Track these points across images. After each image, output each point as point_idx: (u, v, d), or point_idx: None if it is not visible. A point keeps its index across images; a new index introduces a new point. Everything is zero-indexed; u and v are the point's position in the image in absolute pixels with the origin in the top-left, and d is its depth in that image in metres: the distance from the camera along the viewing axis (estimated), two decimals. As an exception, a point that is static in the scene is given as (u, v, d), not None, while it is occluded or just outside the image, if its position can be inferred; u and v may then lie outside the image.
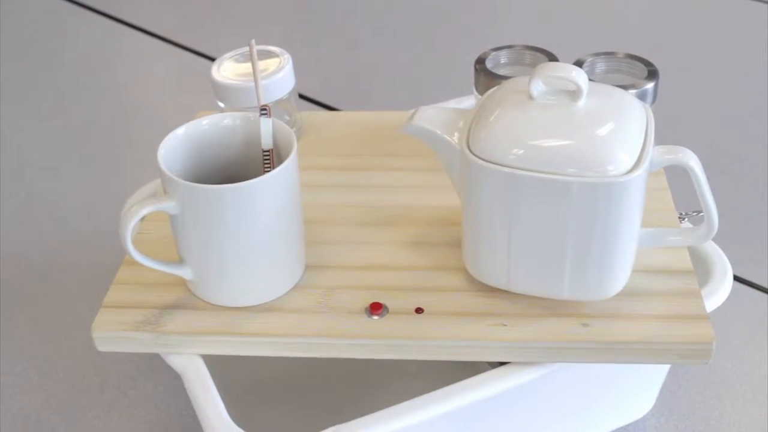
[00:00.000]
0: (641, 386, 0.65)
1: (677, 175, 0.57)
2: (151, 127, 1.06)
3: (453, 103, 0.78)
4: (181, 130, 0.55)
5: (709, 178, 0.52)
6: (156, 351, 0.55)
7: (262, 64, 0.69)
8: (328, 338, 0.53)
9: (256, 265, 0.54)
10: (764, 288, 0.78)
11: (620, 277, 0.53)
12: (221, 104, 0.69)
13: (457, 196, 0.55)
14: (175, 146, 0.54)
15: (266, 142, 0.55)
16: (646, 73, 0.65)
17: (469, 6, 1.35)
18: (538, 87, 0.51)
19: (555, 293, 0.53)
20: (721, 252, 0.61)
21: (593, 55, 0.67)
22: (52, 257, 0.85)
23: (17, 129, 1.08)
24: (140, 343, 0.54)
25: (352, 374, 0.66)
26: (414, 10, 1.35)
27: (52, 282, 0.82)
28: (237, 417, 0.51)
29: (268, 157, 0.54)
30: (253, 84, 0.59)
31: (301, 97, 1.09)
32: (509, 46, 0.69)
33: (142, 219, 0.62)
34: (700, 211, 0.53)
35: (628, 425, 0.66)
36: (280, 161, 0.52)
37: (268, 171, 0.52)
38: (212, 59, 1.12)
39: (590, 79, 0.52)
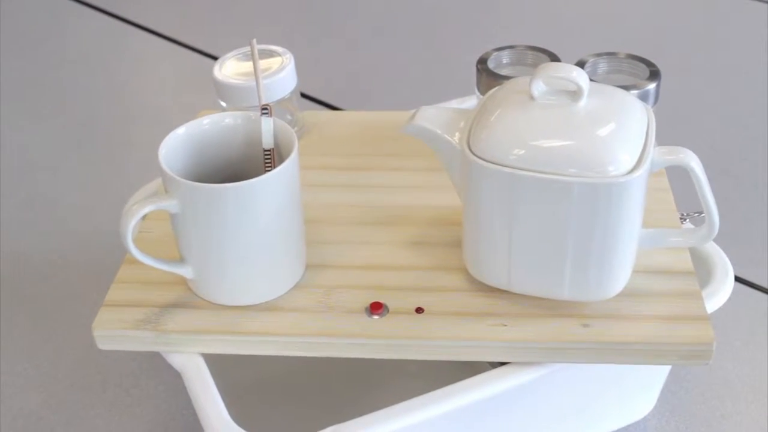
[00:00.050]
0: (642, 387, 0.65)
1: (678, 176, 0.57)
2: (152, 127, 1.06)
3: (455, 103, 0.78)
4: (182, 130, 0.55)
5: (710, 179, 0.52)
6: (156, 350, 0.55)
7: (264, 64, 0.69)
8: (328, 338, 0.53)
9: (257, 264, 0.54)
10: (765, 289, 0.78)
11: (621, 278, 0.53)
12: (223, 103, 0.69)
13: (458, 196, 0.55)
14: (176, 145, 0.54)
15: (267, 142, 0.55)
16: (647, 73, 0.65)
17: (472, 6, 1.35)
18: (539, 87, 0.51)
19: (555, 294, 0.53)
20: (722, 253, 0.61)
21: (595, 56, 0.67)
22: (53, 256, 0.85)
23: (18, 128, 1.08)
24: (141, 341, 0.54)
25: (352, 374, 0.66)
26: (416, 10, 1.35)
27: (53, 281, 0.82)
28: (237, 416, 0.51)
29: (269, 157, 0.54)
30: (254, 83, 0.59)
31: (304, 96, 1.09)
32: (511, 47, 0.69)
33: (143, 218, 0.62)
34: (702, 212, 0.53)
35: (628, 426, 0.66)
36: (281, 161, 0.53)
37: (269, 170, 0.52)
38: (215, 58, 1.12)
39: (592, 80, 0.52)
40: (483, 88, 0.67)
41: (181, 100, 1.14)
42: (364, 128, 0.73)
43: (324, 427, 0.50)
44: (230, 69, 0.69)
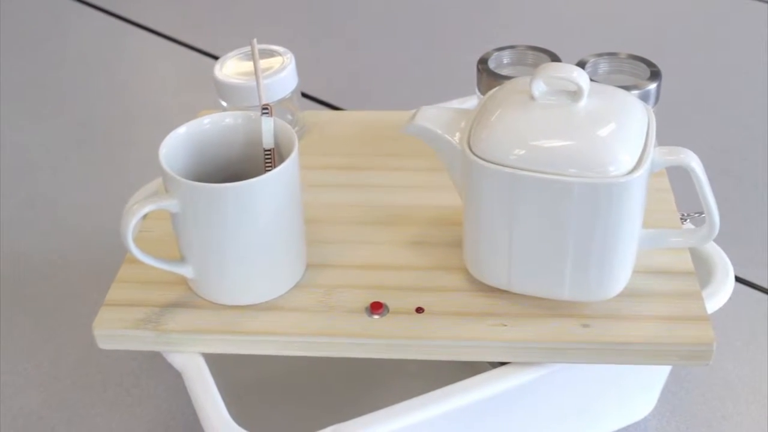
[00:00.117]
0: (642, 387, 0.65)
1: (679, 176, 0.57)
2: (153, 126, 1.06)
3: (456, 103, 0.78)
4: (182, 129, 0.55)
5: (711, 179, 0.52)
6: (157, 349, 0.55)
7: (265, 63, 0.69)
8: (328, 337, 0.53)
9: (257, 264, 0.54)
10: (766, 289, 0.78)
11: (621, 278, 0.53)
12: (223, 103, 0.69)
13: (458, 196, 0.55)
14: (176, 145, 0.54)
15: (267, 142, 0.55)
16: (648, 73, 0.65)
17: (473, 6, 1.35)
18: (539, 87, 0.51)
19: (555, 294, 0.53)
20: (722, 253, 0.61)
21: (596, 56, 0.67)
22: (53, 256, 0.85)
23: (19, 127, 1.08)
24: (141, 341, 0.54)
25: (352, 373, 0.66)
26: (418, 10, 1.35)
27: (53, 280, 0.82)
28: (237, 415, 0.51)
29: (269, 157, 0.55)
30: (255, 83, 0.59)
31: (305, 96, 1.09)
32: (512, 47, 0.69)
33: (144, 217, 0.62)
34: (702, 212, 0.53)
35: (629, 426, 0.66)
36: (282, 160, 0.53)
37: (270, 170, 0.52)
38: (216, 58, 1.12)
39: (592, 80, 0.52)
40: (483, 88, 0.67)
41: (182, 99, 1.14)
42: (365, 128, 0.73)
43: (324, 427, 0.50)
44: (231, 69, 0.69)
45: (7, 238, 0.88)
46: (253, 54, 0.59)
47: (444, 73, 1.15)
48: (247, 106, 0.67)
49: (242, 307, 0.55)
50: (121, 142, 1.04)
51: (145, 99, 1.15)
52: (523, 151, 0.49)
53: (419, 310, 0.54)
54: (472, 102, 0.77)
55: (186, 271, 0.55)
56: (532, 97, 0.51)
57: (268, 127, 0.54)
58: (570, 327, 0.53)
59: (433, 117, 0.54)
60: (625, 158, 0.49)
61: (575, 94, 0.50)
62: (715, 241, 0.59)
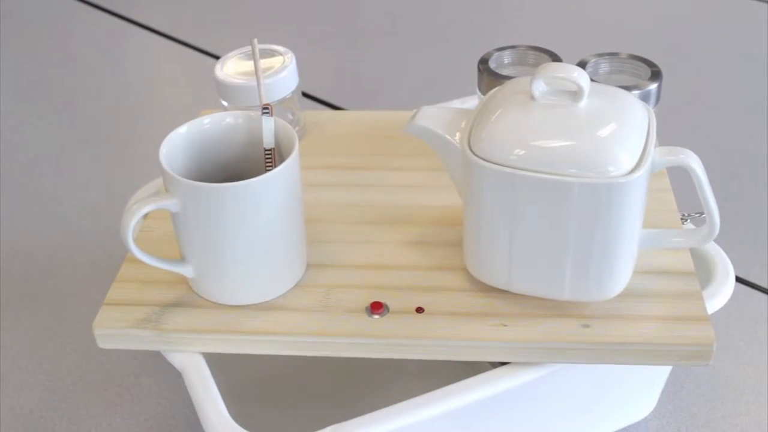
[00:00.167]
0: (643, 387, 0.65)
1: (681, 176, 0.57)
2: (156, 125, 1.06)
3: (457, 103, 0.78)
4: (183, 129, 0.55)
5: (712, 180, 0.52)
6: (157, 348, 0.55)
7: (265, 63, 0.69)
8: (328, 337, 0.53)
9: (257, 263, 0.54)
10: (766, 289, 0.78)
11: (621, 278, 0.53)
12: (224, 103, 0.69)
13: (459, 196, 0.55)
14: (177, 144, 0.54)
15: (268, 141, 0.55)
16: (649, 73, 0.65)
17: (475, 6, 1.35)
18: (539, 87, 0.51)
19: (555, 294, 0.53)
20: (723, 253, 0.61)
21: (597, 56, 0.67)
22: (56, 254, 0.85)
23: (23, 126, 1.08)
24: (141, 340, 0.54)
25: (353, 373, 0.66)
26: (419, 10, 1.35)
27: (55, 279, 0.83)
28: (237, 415, 0.51)
29: (269, 156, 0.55)
30: (255, 83, 0.59)
31: (306, 96, 1.09)
32: (512, 47, 0.69)
33: (145, 217, 0.62)
34: (703, 213, 0.53)
35: (629, 426, 0.66)
36: (282, 160, 0.53)
37: (270, 170, 0.52)
38: (218, 57, 1.12)
39: (593, 80, 0.52)
40: (484, 88, 0.67)
41: (184, 99, 1.14)
42: (366, 128, 0.73)
43: (324, 427, 0.50)
44: (232, 68, 0.69)
45: (8, 236, 0.88)
46: (253, 54, 0.59)
47: (445, 73, 1.15)
48: (247, 105, 0.67)
49: (242, 306, 0.55)
50: (123, 141, 1.05)
51: (147, 98, 1.15)
52: (523, 151, 0.49)
53: (419, 310, 0.54)
54: (473, 102, 0.77)
55: (186, 270, 0.55)
56: (533, 97, 0.51)
57: (268, 126, 0.54)
58: (570, 327, 0.53)
59: (433, 117, 0.54)
60: (625, 158, 0.49)
61: (576, 95, 0.50)
62: (716, 241, 0.59)
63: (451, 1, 1.37)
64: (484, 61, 0.67)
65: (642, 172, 0.48)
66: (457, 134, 0.53)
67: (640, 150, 0.50)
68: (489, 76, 0.66)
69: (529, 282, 0.53)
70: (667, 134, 0.64)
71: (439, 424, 0.52)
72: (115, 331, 0.55)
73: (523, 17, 1.32)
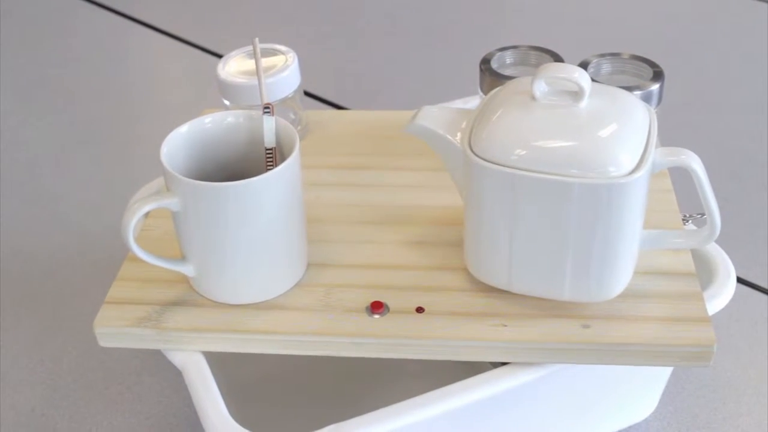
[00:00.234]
0: (643, 388, 0.65)
1: (683, 177, 0.57)
2: (158, 124, 1.06)
3: (459, 103, 0.78)
4: (184, 128, 0.55)
5: (713, 180, 0.52)
6: (157, 347, 0.55)
7: (267, 62, 0.69)
8: (328, 336, 0.53)
9: (258, 262, 0.54)
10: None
11: (621, 279, 0.53)
12: (226, 102, 0.69)
13: (459, 196, 0.55)
14: (178, 144, 0.54)
15: (269, 140, 0.55)
16: (651, 74, 0.65)
17: (477, 6, 1.35)
18: (540, 87, 0.51)
19: (556, 294, 0.53)
20: (724, 254, 0.61)
21: (598, 56, 0.67)
22: (56, 253, 0.86)
23: (24, 125, 1.08)
24: (142, 339, 0.54)
25: (353, 373, 0.66)
26: (421, 9, 1.35)
27: (56, 278, 0.83)
28: (237, 414, 0.51)
29: (270, 156, 0.55)
30: (257, 82, 0.60)
31: (308, 95, 1.09)
32: (514, 47, 0.69)
33: (146, 215, 0.62)
34: (704, 214, 0.53)
35: (630, 427, 0.66)
36: (283, 159, 0.53)
37: (271, 169, 0.52)
38: (221, 56, 1.12)
39: (595, 80, 0.52)
40: (486, 88, 0.67)
41: (186, 98, 1.14)
42: (367, 127, 0.73)
43: (324, 426, 0.50)
44: (234, 67, 0.69)
45: (9, 235, 0.89)
46: (255, 53, 0.59)
47: (447, 73, 1.15)
48: (249, 105, 0.67)
49: (243, 305, 0.55)
50: (125, 140, 1.05)
51: (148, 97, 1.16)
52: (523, 152, 0.49)
53: (419, 309, 0.54)
54: (474, 102, 0.77)
55: (187, 269, 0.55)
56: (534, 98, 0.51)
57: (269, 126, 0.55)
58: (570, 327, 0.53)
59: (434, 117, 0.54)
60: (626, 159, 0.48)
61: (576, 95, 0.50)
62: (717, 242, 0.59)
63: (453, 1, 1.37)
64: (485, 61, 0.67)
65: (642, 173, 0.48)
66: (458, 134, 0.53)
67: (641, 150, 0.50)
68: (491, 76, 0.66)
69: (529, 282, 0.53)
70: (667, 134, 0.64)
71: (439, 424, 0.52)
72: (115, 329, 0.55)
73: (526, 17, 1.32)
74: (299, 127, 0.71)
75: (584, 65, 0.66)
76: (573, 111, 0.50)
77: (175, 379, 0.72)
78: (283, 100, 0.69)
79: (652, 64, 0.65)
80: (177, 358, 0.54)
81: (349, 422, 0.50)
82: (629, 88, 0.62)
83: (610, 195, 0.48)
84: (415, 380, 0.64)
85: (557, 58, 0.67)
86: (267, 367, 0.66)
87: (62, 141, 1.04)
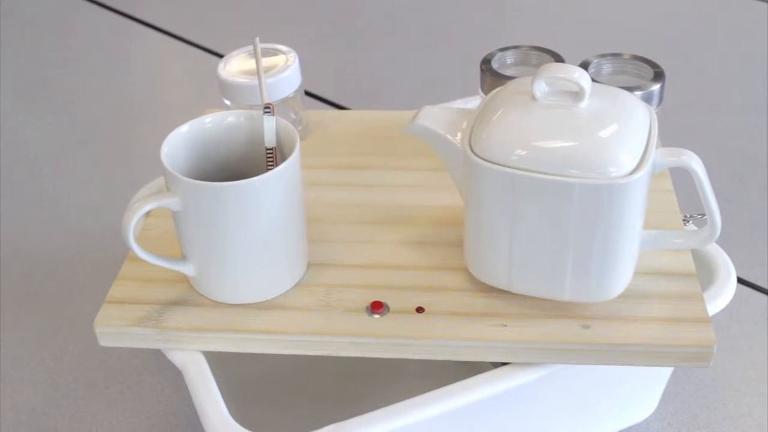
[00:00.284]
0: (644, 388, 0.65)
1: (684, 178, 0.57)
2: (158, 124, 1.06)
3: (460, 103, 0.78)
4: (184, 128, 0.55)
5: (713, 181, 0.52)
6: (157, 347, 0.55)
7: (268, 62, 0.69)
8: (328, 336, 0.53)
9: (258, 262, 0.54)
10: (769, 291, 0.78)
11: (621, 279, 0.53)
12: (227, 102, 0.69)
13: (459, 196, 0.55)
14: (178, 143, 0.54)
15: (269, 140, 0.55)
16: (652, 74, 0.65)
17: (478, 6, 1.35)
18: (541, 88, 0.51)
19: (556, 294, 0.53)
20: (725, 255, 0.61)
21: (599, 56, 0.67)
22: (57, 253, 0.86)
23: (25, 124, 1.08)
24: (142, 338, 0.55)
25: (353, 373, 0.66)
26: (422, 9, 1.35)
27: (57, 277, 0.83)
28: (236, 414, 0.51)
29: (271, 155, 0.55)
30: (258, 82, 0.60)
31: (310, 95, 1.09)
32: (515, 47, 0.69)
33: (146, 215, 0.62)
34: (705, 214, 0.53)
35: (630, 428, 0.66)
36: (283, 159, 0.53)
37: (271, 169, 0.52)
38: (222, 56, 1.13)
39: (596, 81, 0.51)
40: (487, 89, 0.67)
41: (187, 97, 1.14)
42: (368, 127, 0.73)
43: (324, 426, 0.50)
44: (235, 67, 0.69)
45: (10, 235, 0.89)
46: (255, 53, 0.59)
47: (448, 73, 1.15)
48: (250, 105, 0.67)
49: (243, 305, 0.55)
50: (125, 139, 1.05)
51: (149, 97, 1.16)
52: (524, 152, 0.49)
53: (419, 309, 0.54)
54: (475, 102, 0.77)
55: (187, 269, 0.55)
56: (534, 98, 0.51)
57: (270, 125, 0.55)
58: (570, 328, 0.53)
59: (434, 117, 0.54)
60: (626, 159, 0.48)
61: (577, 95, 0.50)
62: (718, 242, 0.59)
63: (454, 0, 1.37)
64: (486, 62, 0.67)
65: (643, 173, 0.48)
66: (458, 134, 0.53)
67: (641, 151, 0.50)
68: (492, 77, 0.66)
69: (529, 282, 0.53)
70: (668, 134, 0.64)
71: (439, 424, 0.52)
72: (116, 329, 0.55)
73: (527, 17, 1.32)
74: (300, 127, 0.71)
75: (585, 65, 0.66)
76: (573, 111, 0.50)
77: (175, 378, 0.72)
78: (284, 100, 0.69)
79: (652, 65, 0.65)
80: (177, 357, 0.54)
81: (348, 422, 0.50)
82: (630, 89, 0.62)
83: (611, 195, 0.48)
84: (415, 380, 0.64)
85: (558, 59, 0.67)
86: (267, 367, 0.66)
87: (63, 141, 1.04)
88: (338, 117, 0.77)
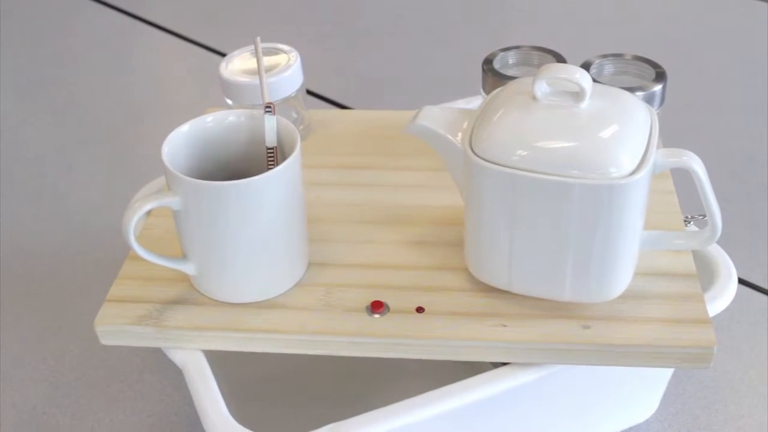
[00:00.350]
0: (644, 389, 0.65)
1: (685, 178, 0.57)
2: (160, 123, 1.06)
3: (462, 103, 0.78)
4: (185, 127, 0.55)
5: (714, 181, 0.52)
6: (158, 345, 0.55)
7: (270, 62, 0.69)
8: (328, 336, 0.53)
9: (258, 261, 0.54)
10: (771, 292, 0.78)
11: (622, 280, 0.53)
12: (229, 101, 0.69)
13: (460, 196, 0.55)
14: (179, 143, 0.54)
15: (270, 140, 0.55)
16: (653, 75, 0.65)
17: (480, 6, 1.35)
18: (541, 88, 0.51)
19: (556, 295, 0.53)
20: (725, 255, 0.61)
21: (601, 57, 0.67)
22: (58, 252, 0.86)
23: (26, 124, 1.08)
24: (142, 337, 0.55)
25: (353, 372, 0.66)
26: (424, 10, 1.35)
27: (58, 276, 0.83)
28: (236, 413, 0.51)
29: (272, 155, 0.55)
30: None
31: (312, 94, 1.09)
32: (517, 47, 0.69)
33: (148, 214, 0.62)
34: (706, 215, 0.53)
35: (630, 428, 0.66)
36: (284, 159, 0.53)
37: (272, 168, 0.52)
38: (225, 55, 1.13)
39: (598, 81, 0.51)
40: (488, 89, 0.67)
41: (190, 96, 1.14)
42: (370, 127, 0.73)
43: (323, 426, 0.50)
44: (237, 66, 0.69)
45: (11, 234, 0.89)
46: (256, 52, 0.59)
47: (449, 73, 1.15)
48: (252, 104, 0.67)
49: (243, 304, 0.55)
50: (127, 138, 1.05)
51: (151, 96, 1.16)
52: (524, 152, 0.49)
53: (420, 309, 0.54)
54: (477, 102, 0.77)
55: (188, 268, 0.55)
56: (535, 98, 0.51)
57: (270, 125, 0.55)
58: (570, 328, 0.52)
59: (435, 117, 0.54)
60: (627, 160, 0.48)
61: (578, 95, 0.50)
62: (719, 243, 0.59)
63: (456, 1, 1.37)
64: (488, 62, 0.67)
65: (643, 174, 0.48)
66: (459, 134, 0.53)
67: (642, 151, 0.50)
68: (493, 77, 0.66)
69: (529, 282, 0.53)
70: (668, 135, 0.64)
71: (438, 424, 0.52)
72: (116, 327, 0.55)
73: (528, 18, 1.32)
74: (301, 127, 0.71)
75: (587, 66, 0.66)
76: (574, 112, 0.50)
77: (176, 377, 0.72)
78: (286, 100, 0.69)
79: (654, 65, 0.65)
80: (177, 356, 0.54)
81: (348, 422, 0.50)
82: (632, 89, 0.62)
83: (611, 196, 0.48)
84: (415, 380, 0.64)
85: (560, 59, 0.67)
86: (267, 367, 0.66)
87: (63, 140, 1.05)
88: (340, 116, 0.77)
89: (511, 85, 0.54)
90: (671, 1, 1.35)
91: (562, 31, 1.25)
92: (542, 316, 0.53)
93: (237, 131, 0.56)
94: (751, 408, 0.67)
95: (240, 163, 0.56)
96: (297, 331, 0.53)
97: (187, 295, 0.56)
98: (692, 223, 0.66)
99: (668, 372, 0.64)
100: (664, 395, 0.67)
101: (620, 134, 0.49)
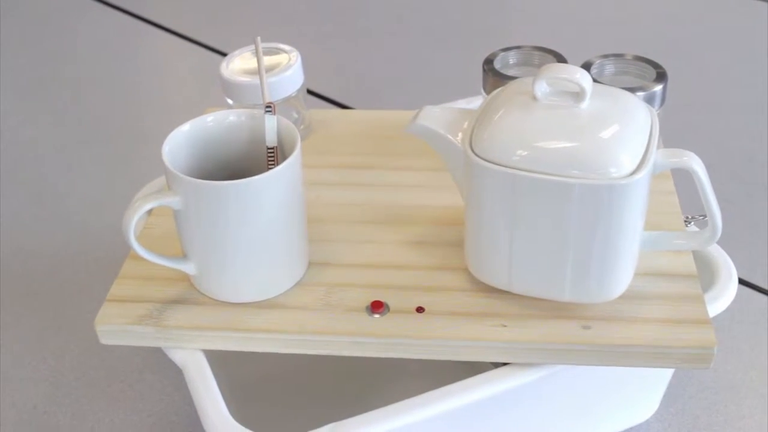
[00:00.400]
0: (644, 389, 0.65)
1: (686, 178, 0.57)
2: (161, 123, 1.06)
3: (462, 103, 0.78)
4: (186, 127, 0.55)
5: (715, 182, 0.52)
6: (158, 345, 0.55)
7: (271, 61, 0.69)
8: (328, 336, 0.53)
9: (259, 261, 0.54)
10: (771, 293, 0.78)
11: (622, 280, 0.53)
12: (230, 101, 0.69)
13: (460, 196, 0.55)
14: (179, 142, 0.54)
15: (270, 140, 0.55)
16: (654, 75, 0.65)
17: (481, 6, 1.35)
18: (542, 88, 0.51)
19: (556, 295, 0.53)
20: (726, 256, 0.61)
21: (602, 57, 0.67)
22: (59, 251, 0.86)
23: (27, 123, 1.08)
24: (143, 336, 0.55)
25: (353, 372, 0.66)
26: (425, 10, 1.35)
27: (59, 276, 0.83)
28: (236, 413, 0.51)
29: (272, 155, 0.55)
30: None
31: (313, 94, 1.09)
32: (518, 47, 0.69)
33: (148, 214, 0.62)
34: (706, 215, 0.53)
35: (631, 428, 0.66)
36: (285, 158, 0.53)
37: (272, 168, 0.52)
38: (226, 54, 1.13)
39: (599, 81, 0.51)
40: (489, 89, 0.67)
41: (190, 96, 1.14)
42: (370, 127, 0.73)
43: (323, 426, 0.50)
44: (237, 66, 0.69)
45: (12, 233, 0.89)
46: (257, 52, 0.59)
47: (450, 73, 1.15)
48: (253, 104, 0.67)
49: (244, 304, 0.55)
50: (129, 138, 1.05)
51: (152, 95, 1.16)
52: (524, 152, 0.49)
53: (420, 309, 0.54)
54: (478, 102, 0.77)
55: (188, 267, 0.55)
56: (535, 98, 0.51)
57: (271, 125, 0.55)
58: (571, 328, 0.52)
59: (435, 117, 0.54)
60: (627, 160, 0.48)
61: (578, 96, 0.50)
62: (720, 243, 0.59)
63: (457, 1, 1.37)
64: (489, 62, 0.67)
65: (643, 174, 0.48)
66: (459, 134, 0.53)
67: (642, 152, 0.50)
68: (494, 77, 0.66)
69: (529, 282, 0.53)
70: (668, 135, 0.64)
71: (438, 424, 0.52)
72: (116, 327, 0.55)
73: (529, 18, 1.32)
74: (302, 127, 0.71)
75: (587, 66, 0.66)
76: (574, 112, 0.50)
77: (176, 377, 0.72)
78: (286, 99, 0.69)
79: (655, 65, 0.65)
80: (178, 356, 0.55)
81: (348, 421, 0.50)
82: (632, 89, 0.62)
83: (611, 196, 0.48)
84: (415, 380, 0.64)
85: (560, 59, 0.67)
86: (267, 367, 0.66)
87: (64, 139, 1.05)
88: (340, 116, 0.77)
89: (511, 85, 0.54)
90: (671, 1, 1.35)
91: (562, 31, 1.25)
92: (542, 316, 0.53)
93: (237, 131, 0.56)
94: (752, 408, 0.67)
95: (240, 162, 0.56)
96: (297, 331, 0.53)
97: (188, 294, 0.56)
98: (692, 223, 0.66)
99: (668, 372, 0.64)
100: (665, 395, 0.67)
101: (621, 134, 0.49)
